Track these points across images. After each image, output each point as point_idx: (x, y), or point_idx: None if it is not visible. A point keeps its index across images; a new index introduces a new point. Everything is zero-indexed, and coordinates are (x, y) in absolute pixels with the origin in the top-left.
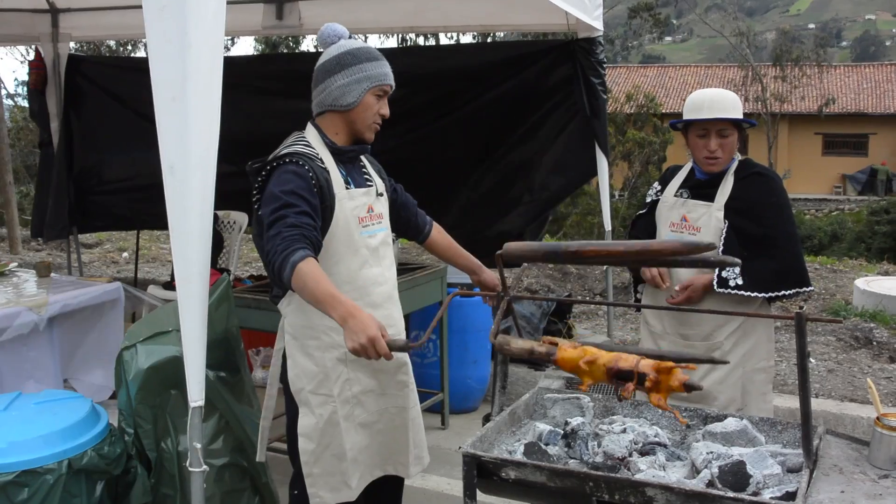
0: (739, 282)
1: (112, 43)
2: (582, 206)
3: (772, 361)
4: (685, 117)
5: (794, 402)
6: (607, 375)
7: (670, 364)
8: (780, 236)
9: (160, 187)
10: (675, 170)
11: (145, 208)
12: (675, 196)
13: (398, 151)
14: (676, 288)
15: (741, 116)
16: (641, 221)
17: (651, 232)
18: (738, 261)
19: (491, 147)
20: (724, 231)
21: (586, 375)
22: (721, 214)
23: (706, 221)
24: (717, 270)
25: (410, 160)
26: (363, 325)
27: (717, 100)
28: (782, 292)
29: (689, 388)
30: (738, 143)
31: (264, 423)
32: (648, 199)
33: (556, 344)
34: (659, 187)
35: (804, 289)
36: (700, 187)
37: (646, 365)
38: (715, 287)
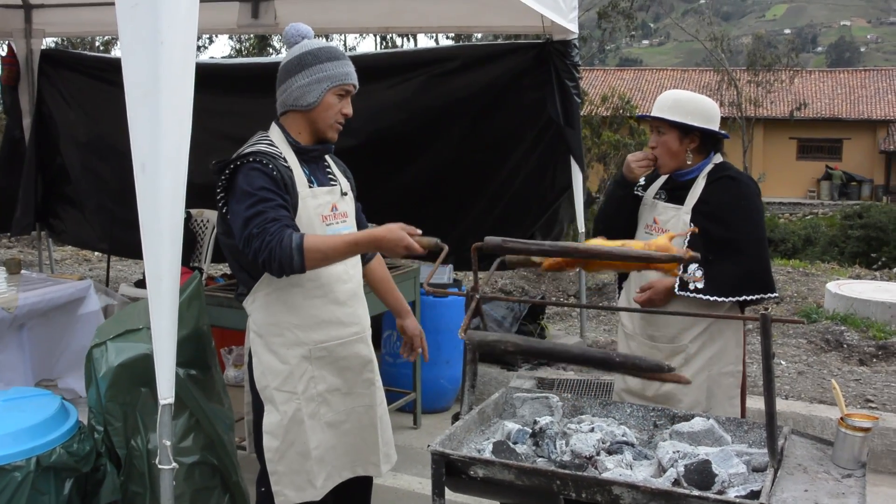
0: (699, 285)
1: (98, 40)
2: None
3: (740, 366)
4: None
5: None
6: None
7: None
8: (744, 240)
9: (127, 211)
10: None
11: (117, 231)
12: (654, 197)
13: (359, 151)
14: (637, 290)
15: (678, 119)
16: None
17: (621, 220)
18: (698, 255)
19: (457, 150)
20: (687, 235)
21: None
22: (688, 218)
23: (674, 224)
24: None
25: (372, 161)
26: (393, 242)
27: (661, 99)
28: (743, 297)
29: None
30: (685, 144)
31: (248, 417)
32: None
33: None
34: (643, 182)
35: (768, 294)
36: (675, 189)
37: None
38: (676, 290)
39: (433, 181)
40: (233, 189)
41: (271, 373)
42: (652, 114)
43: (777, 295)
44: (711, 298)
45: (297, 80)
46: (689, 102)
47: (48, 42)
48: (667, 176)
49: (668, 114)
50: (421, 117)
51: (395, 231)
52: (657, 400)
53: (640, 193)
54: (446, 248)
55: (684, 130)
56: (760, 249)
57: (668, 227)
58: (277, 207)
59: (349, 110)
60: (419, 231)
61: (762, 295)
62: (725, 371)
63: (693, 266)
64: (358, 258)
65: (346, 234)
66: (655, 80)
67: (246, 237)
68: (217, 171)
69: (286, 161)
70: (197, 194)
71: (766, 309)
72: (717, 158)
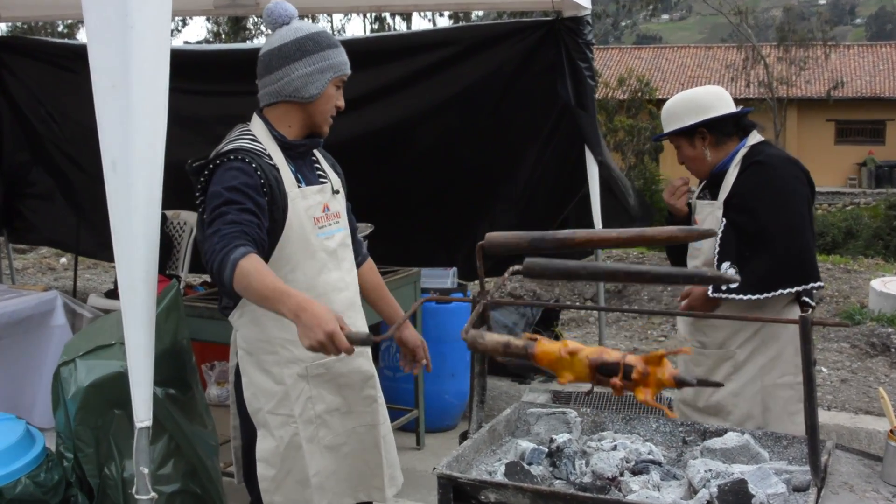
0: (732, 285)
1: (60, 23)
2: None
3: (801, 377)
4: None
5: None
6: (590, 369)
7: (661, 353)
8: (774, 229)
9: (98, 211)
10: None
11: (84, 232)
12: (697, 197)
13: (348, 149)
14: (678, 298)
15: (673, 128)
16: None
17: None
18: (735, 278)
19: (462, 147)
20: (720, 231)
21: (566, 370)
22: (720, 213)
23: (711, 222)
24: None
25: (362, 160)
26: (318, 319)
27: (662, 116)
28: (778, 291)
29: (679, 382)
30: (699, 145)
31: (235, 442)
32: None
33: (535, 339)
34: (696, 189)
35: (809, 285)
36: (714, 185)
37: (633, 358)
38: (709, 292)
39: (434, 182)
40: (209, 191)
41: (264, 395)
42: (663, 133)
43: (822, 284)
44: (745, 297)
45: (297, 68)
46: (678, 105)
47: (2, 28)
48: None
49: (666, 128)
50: (418, 109)
51: (326, 313)
52: (707, 411)
53: (691, 200)
54: (378, 339)
55: (688, 134)
56: (793, 237)
57: (705, 224)
58: (242, 211)
59: (342, 102)
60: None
61: (801, 287)
62: (781, 382)
63: (726, 265)
64: (352, 260)
65: (282, 284)
66: (676, 58)
67: (203, 239)
68: (195, 171)
69: (271, 159)
70: (172, 194)
71: (807, 310)
72: (753, 139)
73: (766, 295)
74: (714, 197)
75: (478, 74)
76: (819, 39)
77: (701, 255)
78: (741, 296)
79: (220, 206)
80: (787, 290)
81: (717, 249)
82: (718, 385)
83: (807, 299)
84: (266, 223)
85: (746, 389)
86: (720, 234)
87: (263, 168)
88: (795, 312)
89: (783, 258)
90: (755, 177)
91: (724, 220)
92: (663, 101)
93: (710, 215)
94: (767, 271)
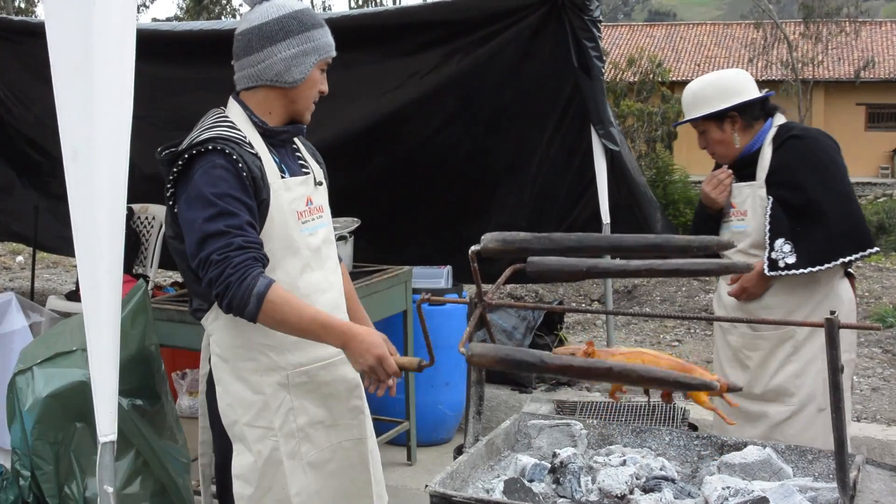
0: (789, 260)
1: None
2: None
3: (853, 354)
4: None
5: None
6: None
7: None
8: (824, 200)
9: (63, 201)
10: None
11: (46, 222)
12: None
13: (336, 134)
14: (727, 281)
15: (703, 112)
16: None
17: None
18: (749, 265)
19: (459, 138)
20: (768, 209)
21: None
22: (764, 191)
23: (752, 203)
24: (766, 253)
25: (347, 150)
26: (367, 345)
27: (686, 100)
28: (839, 260)
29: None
30: (728, 130)
31: (203, 459)
32: None
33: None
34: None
35: (867, 252)
36: (743, 167)
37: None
38: (766, 271)
39: (429, 175)
40: (188, 186)
41: (241, 405)
42: (684, 119)
43: (878, 250)
44: (805, 271)
45: (280, 49)
46: (707, 88)
47: None
48: None
49: (694, 112)
50: (411, 95)
51: (372, 337)
52: (766, 397)
53: None
54: (428, 364)
55: (718, 118)
56: (846, 204)
57: (745, 207)
58: (245, 226)
59: (326, 87)
60: (396, 353)
61: (859, 253)
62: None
63: (780, 241)
64: (337, 261)
65: (321, 312)
66: (692, 36)
67: (203, 260)
68: (167, 161)
69: (253, 147)
70: (140, 187)
71: (833, 312)
72: (779, 120)
73: (826, 266)
74: (742, 179)
75: (476, 57)
76: (848, 16)
77: (747, 237)
78: (801, 270)
79: (217, 219)
80: (847, 259)
81: (768, 227)
82: (747, 268)
83: (851, 272)
84: (258, 227)
85: (809, 368)
86: (769, 213)
87: (245, 159)
88: (846, 286)
89: (838, 227)
90: (795, 151)
91: (769, 198)
92: (677, 83)
93: (752, 196)
94: (824, 242)
